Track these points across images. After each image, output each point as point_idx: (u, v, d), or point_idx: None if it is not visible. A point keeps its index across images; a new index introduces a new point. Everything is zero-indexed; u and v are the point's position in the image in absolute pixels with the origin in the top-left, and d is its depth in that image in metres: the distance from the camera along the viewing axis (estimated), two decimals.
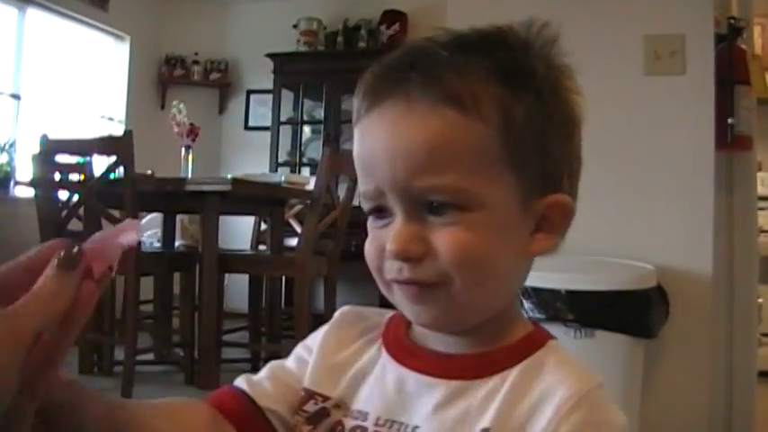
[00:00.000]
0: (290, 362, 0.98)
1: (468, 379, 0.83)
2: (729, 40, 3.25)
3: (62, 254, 0.68)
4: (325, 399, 0.90)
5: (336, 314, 0.99)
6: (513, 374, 0.82)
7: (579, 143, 0.88)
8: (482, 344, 0.86)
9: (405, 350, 0.90)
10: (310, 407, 0.90)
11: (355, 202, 5.60)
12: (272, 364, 0.98)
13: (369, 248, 0.87)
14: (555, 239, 0.86)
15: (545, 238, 0.86)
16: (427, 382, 0.85)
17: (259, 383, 0.95)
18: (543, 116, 0.83)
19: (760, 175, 5.08)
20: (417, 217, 0.81)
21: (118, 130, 7.24)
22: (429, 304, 0.83)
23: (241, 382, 0.95)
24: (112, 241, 0.72)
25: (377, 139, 0.83)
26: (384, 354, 0.91)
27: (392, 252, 0.82)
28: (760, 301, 3.52)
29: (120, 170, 4.26)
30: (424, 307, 0.83)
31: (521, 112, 0.81)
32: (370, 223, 0.88)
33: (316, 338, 0.98)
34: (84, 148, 4.44)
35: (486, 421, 0.80)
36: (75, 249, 0.69)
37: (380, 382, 0.89)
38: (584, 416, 0.77)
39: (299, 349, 0.99)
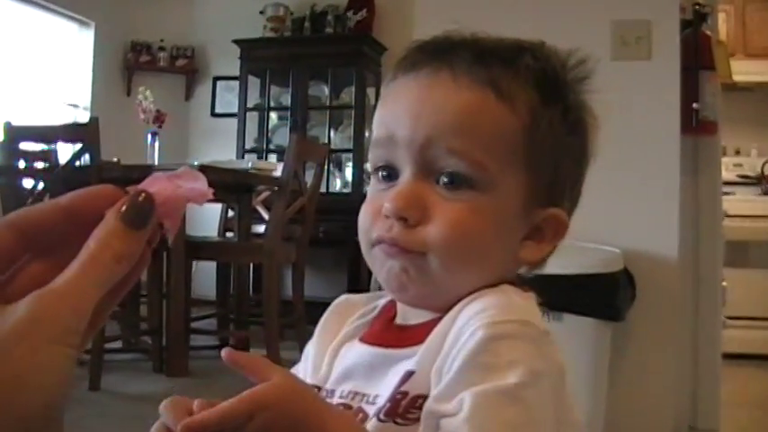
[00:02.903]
0: (300, 364, 0.99)
1: (419, 343, 0.83)
2: (695, 27, 3.28)
3: (130, 206, 0.56)
4: (318, 389, 0.90)
5: (332, 304, 1.01)
6: (444, 318, 0.83)
7: (584, 179, 0.95)
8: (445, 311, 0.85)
9: (370, 331, 0.93)
10: None
11: (323, 189, 5.61)
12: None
13: (365, 209, 0.88)
14: (542, 252, 0.89)
15: (533, 247, 0.88)
16: (380, 353, 0.87)
17: None
18: (564, 133, 0.88)
19: (724, 159, 5.13)
20: (424, 181, 0.83)
21: (83, 117, 7.17)
22: (404, 266, 0.83)
23: None
24: (177, 192, 0.60)
25: (408, 94, 0.85)
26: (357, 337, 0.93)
27: (389, 209, 0.83)
28: (724, 284, 3.55)
29: (86, 157, 4.22)
30: (399, 265, 0.83)
31: (547, 120, 0.86)
32: (373, 185, 0.89)
33: (316, 331, 0.99)
34: (48, 135, 4.40)
35: (412, 364, 0.81)
36: (146, 200, 0.57)
37: (345, 361, 0.91)
38: (481, 341, 0.75)
39: (307, 346, 1.00)
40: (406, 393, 0.79)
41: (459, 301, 0.83)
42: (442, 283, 0.83)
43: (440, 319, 0.83)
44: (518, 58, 0.86)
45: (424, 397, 0.78)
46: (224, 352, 0.70)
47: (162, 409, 0.69)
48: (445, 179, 0.83)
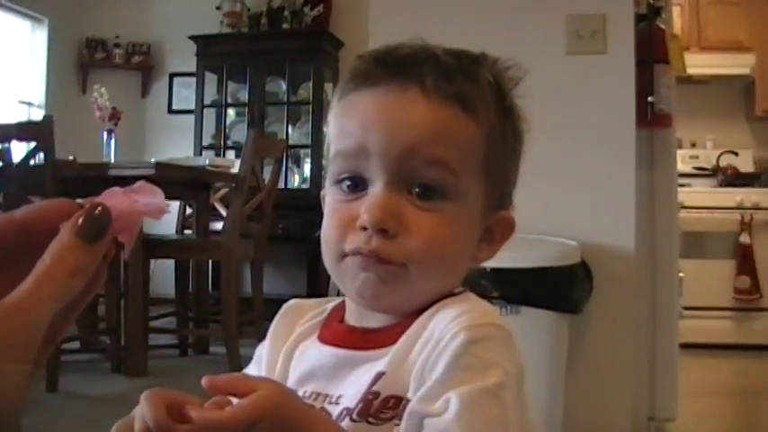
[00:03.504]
0: (251, 366, 1.00)
1: (384, 346, 0.85)
2: (649, 20, 3.29)
3: (85, 219, 0.55)
4: None
5: (282, 308, 1.02)
6: (415, 323, 0.85)
7: None
8: (409, 316, 0.88)
9: (329, 331, 0.93)
10: None
11: (281, 185, 5.59)
12: None
13: (330, 221, 0.89)
14: (494, 251, 0.95)
15: (486, 248, 0.93)
16: (345, 354, 0.88)
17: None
18: (513, 141, 0.93)
19: (680, 152, 5.19)
20: (397, 191, 0.85)
21: (37, 115, 7.10)
22: (382, 276, 0.84)
23: None
24: (133, 207, 0.59)
25: (378, 108, 0.86)
26: (315, 338, 0.94)
27: (367, 221, 0.83)
28: (681, 275, 3.59)
29: (41, 156, 4.17)
30: (375, 276, 0.84)
31: (501, 131, 0.90)
32: (334, 196, 0.90)
33: (268, 334, 1.00)
34: (1, 133, 4.34)
35: (383, 366, 0.83)
36: (102, 214, 0.56)
37: (305, 362, 0.91)
38: (462, 344, 0.78)
39: (257, 350, 1.01)
40: (377, 394, 0.81)
41: (427, 304, 0.86)
42: (417, 291, 0.86)
43: (403, 322, 0.86)
44: (478, 73, 0.89)
45: (396, 397, 0.81)
46: (204, 381, 0.71)
47: (142, 400, 0.68)
48: (419, 190, 0.85)
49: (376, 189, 0.85)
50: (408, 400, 0.79)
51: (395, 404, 0.80)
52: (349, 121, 0.88)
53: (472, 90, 0.88)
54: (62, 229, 0.55)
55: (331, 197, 0.90)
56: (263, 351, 0.99)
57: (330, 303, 0.98)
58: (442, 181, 0.85)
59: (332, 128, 0.91)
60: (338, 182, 0.89)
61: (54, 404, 3.77)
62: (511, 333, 0.82)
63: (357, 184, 0.87)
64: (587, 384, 3.06)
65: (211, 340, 5.17)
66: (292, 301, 1.02)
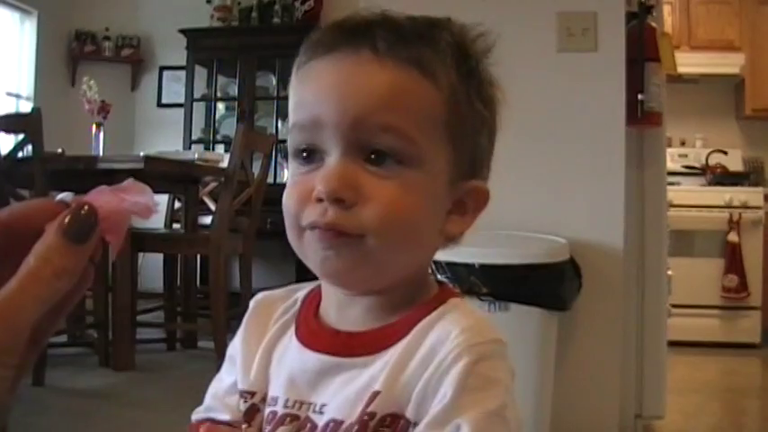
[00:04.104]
0: (223, 369, 0.98)
1: (371, 354, 0.83)
2: (640, 18, 3.29)
3: (71, 219, 0.54)
4: (252, 394, 0.90)
5: (251, 304, 0.99)
6: (408, 336, 0.83)
7: (493, 153, 0.94)
8: (386, 315, 0.86)
9: (309, 332, 0.90)
10: (242, 406, 0.91)
11: (270, 180, 5.57)
12: (214, 381, 0.99)
13: (290, 194, 0.86)
14: (466, 224, 0.90)
15: (458, 220, 0.89)
16: (330, 361, 0.86)
17: (209, 407, 0.96)
18: (480, 107, 0.88)
19: (670, 150, 5.20)
20: (353, 161, 0.82)
21: (26, 107, 7.07)
22: (342, 252, 0.82)
23: (201, 412, 0.96)
24: (121, 206, 0.58)
25: (330, 75, 0.83)
26: (293, 337, 0.91)
27: (323, 191, 0.81)
28: (669, 273, 3.59)
29: (29, 148, 4.15)
30: (335, 253, 0.82)
31: (465, 95, 0.86)
32: (294, 169, 0.87)
33: (239, 333, 0.98)
34: None
35: (378, 384, 0.81)
36: (89, 214, 0.55)
37: (286, 365, 0.89)
38: (467, 366, 0.77)
39: (229, 350, 0.99)
40: (373, 414, 0.80)
41: (399, 282, 0.86)
42: (380, 264, 0.83)
43: (387, 327, 0.85)
44: (436, 35, 0.86)
45: (393, 415, 0.79)
46: None
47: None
48: (376, 157, 0.82)
49: (331, 159, 0.82)
50: (407, 419, 0.79)
51: (392, 422, 0.79)
52: (304, 92, 0.86)
53: (428, 52, 0.84)
54: (47, 230, 0.54)
55: (292, 170, 0.88)
56: (236, 353, 0.96)
57: (300, 291, 0.96)
58: (398, 147, 0.81)
59: (290, 100, 0.88)
60: (296, 155, 0.86)
61: (40, 398, 3.75)
62: (506, 343, 0.82)
63: (314, 156, 0.84)
64: (575, 381, 3.07)
65: (199, 335, 5.16)
66: (260, 296, 1.00)
